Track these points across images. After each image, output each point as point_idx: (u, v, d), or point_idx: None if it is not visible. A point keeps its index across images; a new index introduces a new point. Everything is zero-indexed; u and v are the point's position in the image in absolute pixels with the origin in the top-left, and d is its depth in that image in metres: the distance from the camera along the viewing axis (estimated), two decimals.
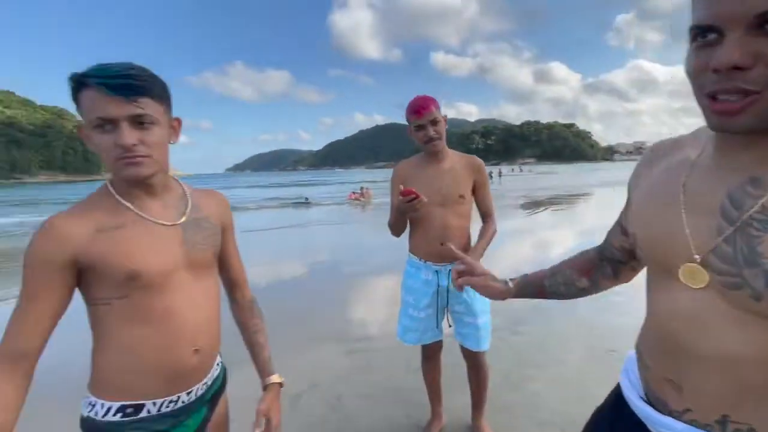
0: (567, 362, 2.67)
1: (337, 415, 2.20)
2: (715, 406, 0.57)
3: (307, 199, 18.88)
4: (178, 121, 0.87)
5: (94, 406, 0.82)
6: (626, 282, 0.86)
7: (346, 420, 2.14)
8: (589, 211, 11.82)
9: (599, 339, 2.97)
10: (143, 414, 0.83)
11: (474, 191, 1.74)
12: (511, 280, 0.91)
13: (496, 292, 0.89)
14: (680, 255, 0.58)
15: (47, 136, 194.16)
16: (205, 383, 0.93)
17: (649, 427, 0.67)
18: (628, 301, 3.40)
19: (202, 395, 0.92)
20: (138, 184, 0.82)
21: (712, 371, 0.56)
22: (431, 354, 1.91)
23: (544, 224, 9.41)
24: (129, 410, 0.82)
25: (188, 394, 0.88)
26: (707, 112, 0.52)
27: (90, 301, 0.81)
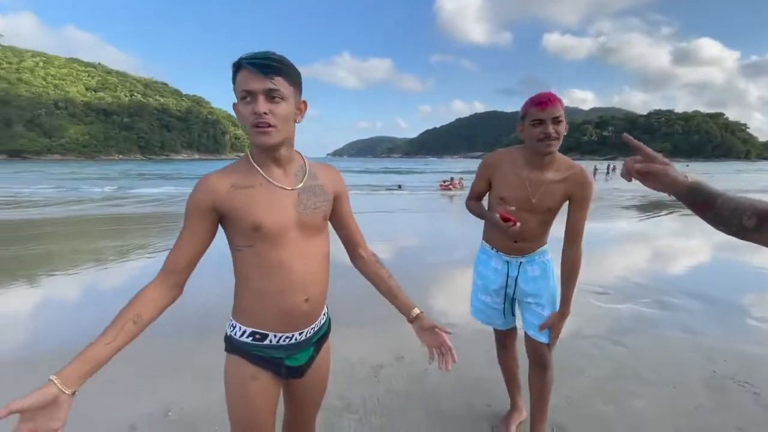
0: (681, 384, 2.37)
1: (421, 388, 2.31)
2: None
3: (400, 186, 19.37)
4: (305, 103, 1.01)
5: (234, 327, 1.05)
6: (752, 237, 0.79)
7: (429, 396, 2.24)
8: None
9: (724, 366, 2.56)
10: (266, 342, 1.03)
11: (569, 203, 1.58)
12: (686, 176, 0.84)
13: (670, 181, 0.81)
14: None
15: (189, 121, 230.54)
16: (313, 328, 1.10)
17: None
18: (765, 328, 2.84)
19: (311, 337, 1.10)
20: (268, 153, 0.98)
21: None
22: (506, 342, 1.91)
23: (664, 230, 8.18)
24: (257, 336, 1.03)
25: (300, 334, 1.06)
26: None
27: (231, 247, 1.02)
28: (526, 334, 1.73)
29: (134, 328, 0.88)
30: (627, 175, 0.85)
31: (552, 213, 1.59)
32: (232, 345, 1.05)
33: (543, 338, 1.66)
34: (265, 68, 0.90)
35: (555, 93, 1.49)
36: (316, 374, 1.16)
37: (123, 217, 9.80)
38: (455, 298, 3.87)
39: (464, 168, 49.44)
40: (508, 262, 1.71)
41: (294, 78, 0.95)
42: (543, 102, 1.45)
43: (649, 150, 0.83)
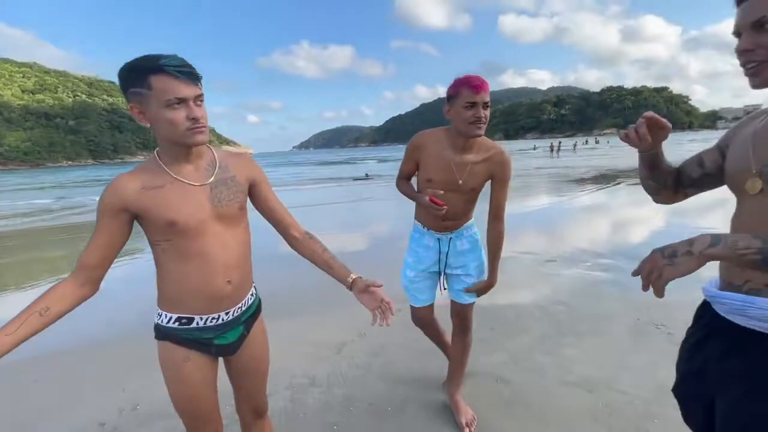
0: (609, 333, 2.69)
1: (380, 360, 2.50)
2: (765, 273, 0.80)
3: (367, 174, 19.44)
4: None
5: (161, 316, 1.12)
6: (671, 201, 1.13)
7: (387, 365, 2.43)
8: None
9: (648, 314, 2.91)
10: (193, 325, 1.10)
11: (491, 182, 1.69)
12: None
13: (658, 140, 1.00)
14: (746, 171, 0.85)
15: None
16: (240, 308, 1.17)
17: (714, 305, 0.92)
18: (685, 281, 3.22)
19: (239, 317, 1.17)
20: (183, 150, 1.03)
21: None
22: (427, 318, 1.96)
23: (610, 201, 8.79)
24: (183, 320, 1.10)
25: (227, 314, 1.14)
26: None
27: (150, 243, 1.08)
28: (452, 301, 1.89)
29: (39, 321, 0.92)
30: (635, 136, 0.95)
31: (476, 192, 1.70)
32: (160, 332, 1.12)
33: (468, 299, 1.83)
34: (193, 76, 0.97)
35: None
36: (251, 349, 1.24)
37: (77, 226, 9.37)
38: None
39: None
40: (439, 239, 1.81)
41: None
42: (477, 85, 1.46)
43: (651, 116, 0.96)
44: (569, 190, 10.43)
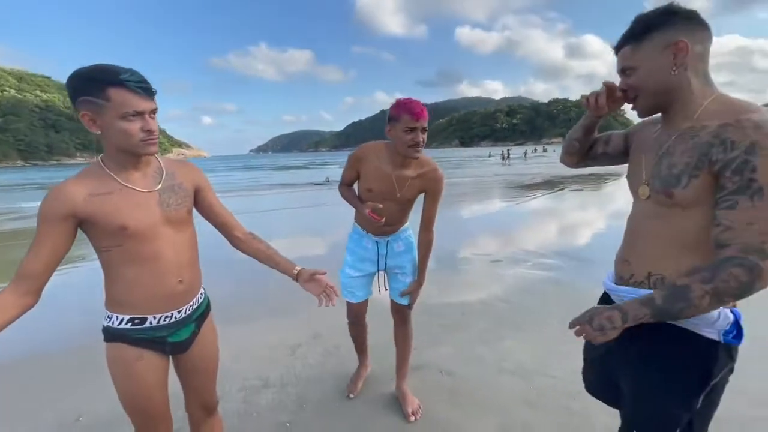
0: (544, 325, 2.96)
1: (333, 359, 2.58)
2: (644, 267, 0.97)
3: (328, 179, 19.36)
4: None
5: (110, 318, 1.13)
6: (573, 166, 1.32)
7: (340, 365, 2.52)
8: (608, 193, 11.69)
9: (578, 308, 3.22)
10: (146, 324, 1.14)
11: (424, 199, 1.85)
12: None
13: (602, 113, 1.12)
14: (639, 179, 1.02)
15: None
16: (192, 306, 1.23)
17: (612, 297, 1.08)
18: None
19: (191, 314, 1.23)
20: (132, 159, 1.08)
21: (646, 245, 0.98)
22: (360, 313, 2.11)
23: (555, 205, 9.46)
24: (136, 321, 1.13)
25: (179, 312, 1.19)
26: None
27: (97, 249, 1.09)
28: (392, 300, 2.07)
29: None
30: (594, 103, 1.07)
31: (411, 202, 1.89)
32: (110, 334, 1.14)
33: (404, 302, 2.01)
34: (149, 91, 1.03)
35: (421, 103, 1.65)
36: (201, 348, 1.29)
37: (12, 234, 8.56)
38: None
39: None
40: (377, 242, 1.96)
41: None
42: (417, 112, 1.59)
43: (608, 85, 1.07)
44: (518, 195, 11.08)
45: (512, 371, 2.37)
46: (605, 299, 1.14)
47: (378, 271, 2.03)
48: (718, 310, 0.88)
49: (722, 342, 0.90)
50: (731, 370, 0.95)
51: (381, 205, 1.72)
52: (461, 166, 30.15)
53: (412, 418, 1.96)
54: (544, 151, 62.22)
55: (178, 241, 1.17)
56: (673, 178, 0.89)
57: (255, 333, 2.97)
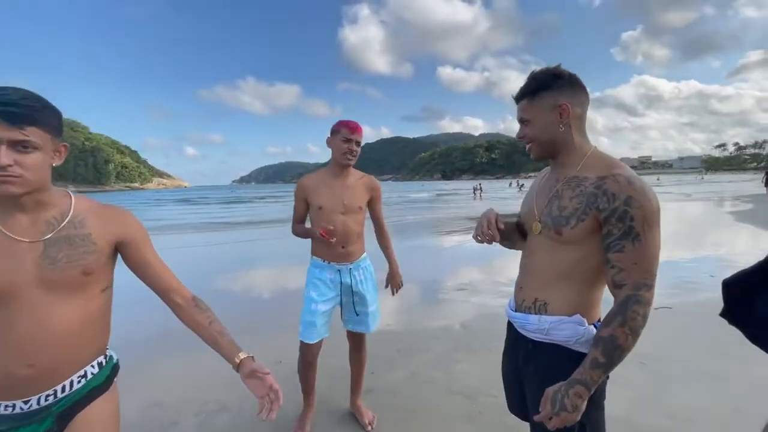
0: (495, 348, 3.13)
1: (293, 384, 2.66)
2: (533, 294, 1.11)
3: None
4: (65, 146, 0.93)
5: None
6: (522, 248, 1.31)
7: (299, 391, 2.60)
8: None
9: None
10: None
11: (370, 205, 2.10)
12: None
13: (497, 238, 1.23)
14: (532, 217, 1.15)
15: None
16: (49, 396, 0.93)
17: (512, 323, 1.20)
18: None
19: (48, 406, 0.93)
20: (9, 199, 0.86)
21: (535, 274, 1.12)
22: (316, 351, 2.05)
23: None
24: None
25: (25, 403, 0.90)
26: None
27: None
28: (348, 330, 2.18)
29: None
30: (486, 238, 1.19)
31: (362, 211, 2.03)
32: None
33: (368, 330, 2.13)
34: (12, 117, 0.79)
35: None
36: None
37: None
38: None
39: None
40: (339, 270, 2.01)
41: (51, 123, 0.86)
42: (354, 127, 1.93)
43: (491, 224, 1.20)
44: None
45: (460, 392, 2.52)
46: (508, 324, 1.29)
47: (341, 301, 2.06)
48: (585, 327, 1.05)
49: None
50: (607, 377, 1.08)
51: (332, 227, 1.89)
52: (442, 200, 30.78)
53: (369, 428, 2.14)
54: (520, 187, 63.67)
55: (50, 311, 0.90)
56: (563, 219, 1.04)
57: (217, 359, 3.03)
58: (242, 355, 1.04)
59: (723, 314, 1.08)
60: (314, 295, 2.00)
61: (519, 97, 1.13)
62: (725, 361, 2.73)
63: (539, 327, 1.09)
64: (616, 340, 0.95)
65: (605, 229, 0.98)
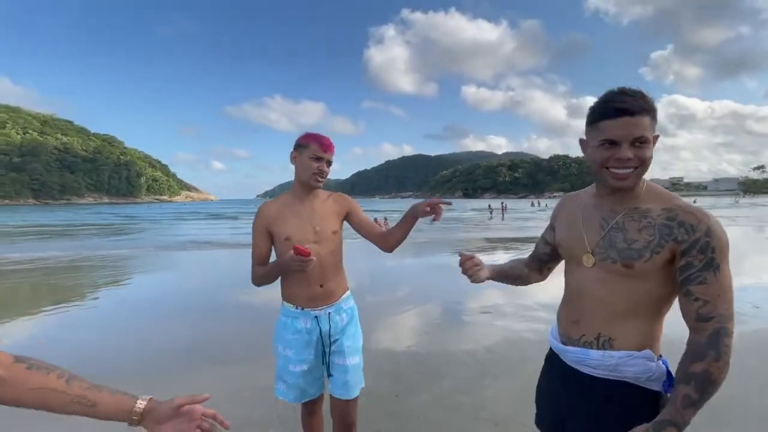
0: (523, 374, 3.03)
1: None
2: (595, 329, 1.05)
3: None
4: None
5: None
6: (544, 278, 1.38)
7: None
8: None
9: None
10: None
11: (350, 220, 1.74)
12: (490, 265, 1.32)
13: (484, 275, 1.29)
14: (582, 249, 1.09)
15: (97, 161, 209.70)
16: None
17: (562, 357, 1.13)
18: None
19: None
20: None
21: (596, 308, 1.06)
22: (315, 409, 1.78)
23: None
24: None
25: None
26: (607, 176, 1.01)
27: None
28: (332, 396, 1.66)
29: None
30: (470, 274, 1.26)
31: (337, 236, 1.67)
32: None
33: (348, 395, 1.64)
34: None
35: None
36: None
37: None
38: None
39: (394, 208, 51.54)
40: (317, 317, 1.63)
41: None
42: (326, 145, 1.60)
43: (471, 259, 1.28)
44: (515, 248, 11.24)
45: (487, 418, 2.44)
46: (552, 356, 1.22)
47: (325, 353, 1.67)
48: (655, 363, 1.00)
49: (663, 392, 1.01)
50: None
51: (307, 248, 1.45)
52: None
53: None
54: (544, 206, 62.45)
55: None
56: (634, 252, 0.99)
57: (246, 375, 3.07)
58: (142, 402, 0.73)
59: None
60: (290, 354, 1.64)
61: (638, 111, 0.95)
62: None
63: (602, 362, 1.03)
64: (710, 375, 0.90)
65: (683, 261, 0.95)
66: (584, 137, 1.09)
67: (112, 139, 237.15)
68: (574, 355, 1.09)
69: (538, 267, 1.36)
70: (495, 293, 5.83)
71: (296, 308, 1.65)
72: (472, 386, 2.87)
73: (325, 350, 1.66)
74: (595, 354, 1.04)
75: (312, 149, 1.60)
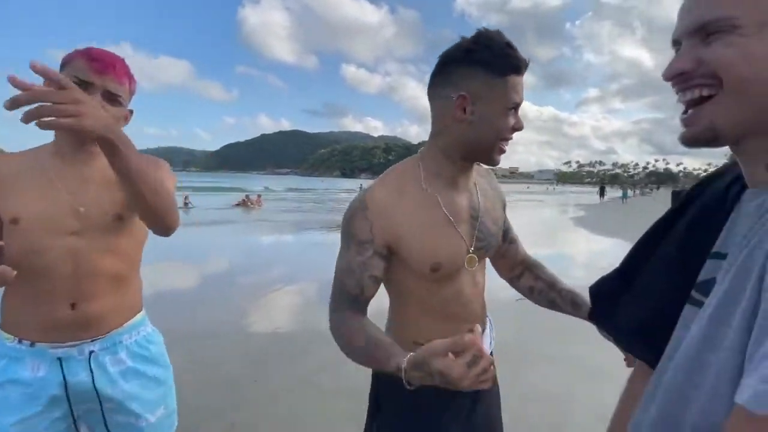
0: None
1: None
2: None
3: (186, 204, 17.39)
4: None
5: None
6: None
7: None
8: None
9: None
10: None
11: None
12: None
13: None
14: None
15: None
16: None
17: None
18: None
19: None
20: None
21: None
22: None
23: None
24: None
25: None
26: (496, 151, 0.77)
27: None
28: None
29: None
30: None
31: (124, 224, 0.97)
32: None
33: None
34: None
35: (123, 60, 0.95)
36: None
37: None
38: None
39: (269, 184, 49.13)
40: (60, 359, 0.93)
41: None
42: (103, 60, 0.89)
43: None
44: None
45: (343, 392, 2.58)
46: None
47: (74, 415, 0.97)
48: None
49: None
50: None
51: (15, 272, 0.75)
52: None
53: None
54: None
55: None
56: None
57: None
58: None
59: (591, 319, 0.77)
60: (8, 420, 0.91)
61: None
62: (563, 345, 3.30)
63: None
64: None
65: None
66: (463, 93, 0.73)
67: None
68: None
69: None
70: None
71: (21, 343, 0.93)
72: (334, 363, 2.99)
73: (79, 412, 0.97)
74: None
75: (74, 67, 0.88)
